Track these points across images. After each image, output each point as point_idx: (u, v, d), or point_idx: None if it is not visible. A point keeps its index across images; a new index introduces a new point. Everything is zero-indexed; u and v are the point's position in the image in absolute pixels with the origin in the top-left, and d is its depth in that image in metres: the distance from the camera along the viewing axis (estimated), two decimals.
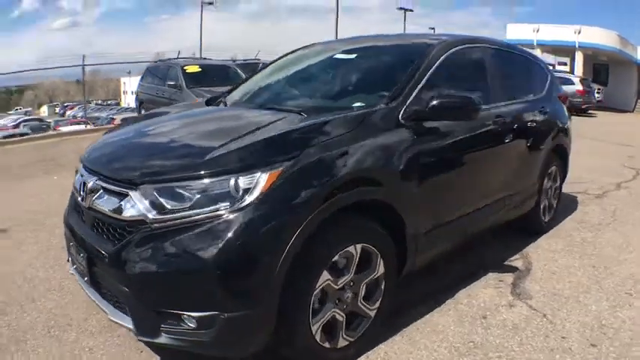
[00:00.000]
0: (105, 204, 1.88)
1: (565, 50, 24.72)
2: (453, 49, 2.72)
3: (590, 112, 18.03)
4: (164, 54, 17.15)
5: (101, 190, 1.92)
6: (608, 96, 22.36)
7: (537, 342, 2.22)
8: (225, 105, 2.87)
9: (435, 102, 2.23)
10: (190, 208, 1.70)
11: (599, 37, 22.55)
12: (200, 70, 9.33)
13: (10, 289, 2.73)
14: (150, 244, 1.71)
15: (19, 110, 46.69)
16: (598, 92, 20.47)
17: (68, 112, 36.93)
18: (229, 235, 1.65)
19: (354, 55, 2.99)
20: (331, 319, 1.94)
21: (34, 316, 2.43)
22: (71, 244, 2.12)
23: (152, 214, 1.72)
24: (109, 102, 53.23)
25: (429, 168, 2.32)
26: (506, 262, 3.17)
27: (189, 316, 1.68)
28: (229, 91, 3.25)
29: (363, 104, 2.34)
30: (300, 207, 1.74)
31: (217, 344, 1.72)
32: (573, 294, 2.72)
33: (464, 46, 2.88)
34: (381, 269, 2.10)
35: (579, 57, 23.65)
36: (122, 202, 1.80)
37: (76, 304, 2.52)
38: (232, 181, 1.71)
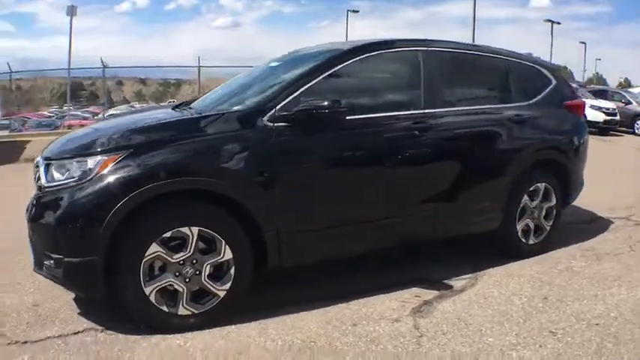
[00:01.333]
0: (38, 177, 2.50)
1: None
2: (365, 55, 2.72)
3: None
4: None
5: (38, 167, 2.54)
6: None
7: (384, 358, 2.14)
8: (186, 108, 3.15)
9: (299, 107, 2.34)
10: (65, 179, 2.19)
11: None
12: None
13: None
14: (39, 205, 2.25)
15: (172, 103, 54.69)
16: None
17: None
18: (71, 199, 2.10)
19: (277, 64, 3.12)
20: (170, 287, 2.21)
21: None
22: None
23: (45, 183, 2.27)
24: None
25: (292, 171, 2.42)
26: (445, 280, 2.94)
27: (51, 256, 2.16)
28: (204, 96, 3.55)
29: (238, 107, 2.55)
30: (122, 186, 2.08)
31: (67, 282, 2.20)
32: (481, 322, 2.42)
33: (386, 51, 2.84)
34: (227, 254, 2.26)
35: None
36: (40, 175, 2.39)
37: None
38: (85, 162, 2.16)
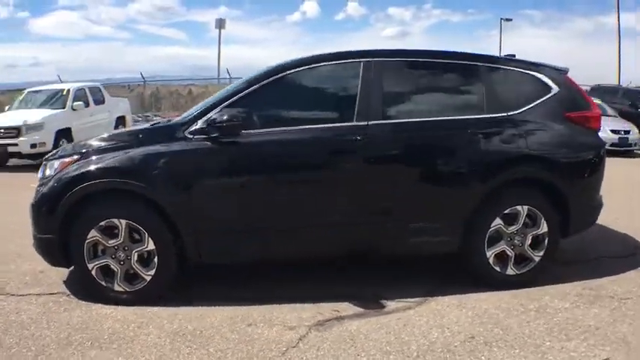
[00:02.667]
0: None
1: None
2: (294, 70, 2.85)
3: None
4: None
5: None
6: None
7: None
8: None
9: (207, 120, 2.62)
10: (46, 176, 2.89)
11: None
12: None
13: None
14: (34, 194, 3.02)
15: None
16: None
17: None
18: (42, 191, 2.78)
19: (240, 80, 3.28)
20: (107, 267, 2.73)
21: None
22: None
23: (39, 177, 3.02)
24: None
25: (205, 178, 2.70)
26: (386, 299, 2.80)
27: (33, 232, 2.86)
28: None
29: (175, 120, 2.94)
30: (66, 184, 2.67)
31: (38, 252, 2.86)
32: (367, 347, 2.30)
33: (317, 65, 2.91)
34: (151, 245, 2.68)
35: None
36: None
37: None
38: (54, 163, 2.86)
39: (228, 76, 18.55)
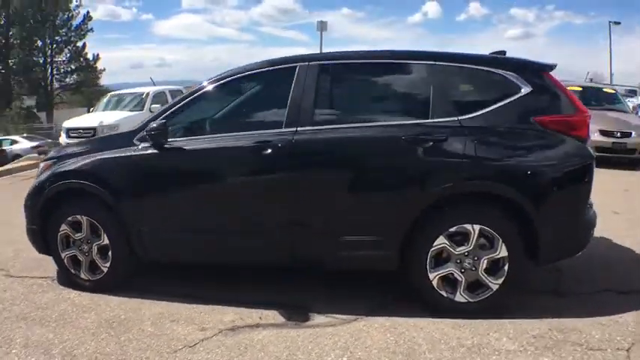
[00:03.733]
0: None
1: None
2: (226, 79, 2.96)
3: None
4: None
5: None
6: None
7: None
8: None
9: (147, 129, 2.84)
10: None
11: None
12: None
13: None
14: None
15: None
16: None
17: None
18: (31, 187, 3.25)
19: None
20: (75, 257, 3.09)
21: None
22: None
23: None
24: None
25: (145, 182, 2.92)
26: (316, 312, 2.72)
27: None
28: None
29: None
30: (42, 183, 3.11)
31: (30, 241, 3.27)
32: (248, 356, 2.28)
33: (249, 73, 2.97)
34: (105, 240, 2.99)
35: None
36: None
37: None
38: (40, 165, 3.36)
39: None
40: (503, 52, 3.06)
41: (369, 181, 2.72)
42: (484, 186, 2.61)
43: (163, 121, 2.83)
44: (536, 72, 2.77)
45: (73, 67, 35.66)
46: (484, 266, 2.59)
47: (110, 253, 3.03)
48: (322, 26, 29.89)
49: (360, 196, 2.71)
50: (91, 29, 36.16)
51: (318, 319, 2.69)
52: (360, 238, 2.68)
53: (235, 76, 2.99)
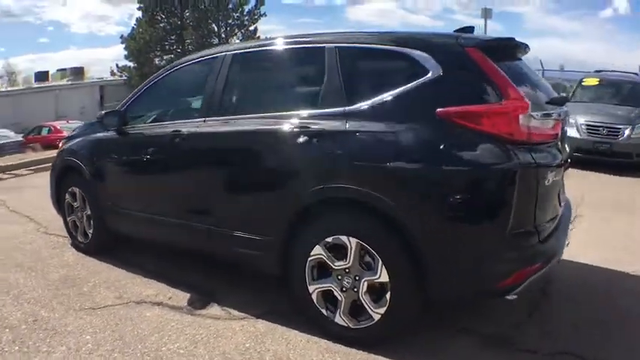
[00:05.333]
0: None
1: None
2: (173, 69, 3.22)
3: None
4: None
5: None
6: None
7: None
8: None
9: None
10: None
11: None
12: (598, 83, 9.02)
13: None
14: None
15: None
16: None
17: None
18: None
19: None
20: (75, 222, 3.82)
21: None
22: None
23: None
24: None
25: (108, 163, 3.41)
26: (217, 303, 2.86)
27: None
28: None
29: None
30: (55, 157, 3.86)
31: (55, 208, 4.14)
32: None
33: (195, 61, 3.11)
34: (89, 210, 3.62)
35: None
36: None
37: None
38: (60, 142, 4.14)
39: (541, 68, 17.96)
40: (471, 29, 2.61)
41: (250, 175, 2.67)
42: (356, 193, 2.25)
43: (119, 109, 3.33)
44: (455, 50, 2.25)
45: None
46: (364, 289, 2.32)
47: (92, 221, 3.64)
48: (486, 13, 27.98)
49: (244, 192, 2.72)
50: (264, 14, 37.40)
51: (212, 309, 2.83)
52: (246, 235, 2.67)
53: (178, 67, 3.27)
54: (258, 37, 37.41)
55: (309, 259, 2.45)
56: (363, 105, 2.33)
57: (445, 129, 2.15)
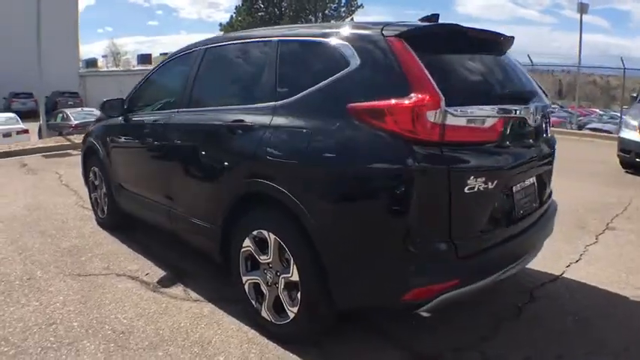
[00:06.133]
0: None
1: None
2: (171, 59, 3.47)
3: None
4: None
5: None
6: None
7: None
8: None
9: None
10: None
11: None
12: None
13: None
14: None
15: None
16: None
17: None
18: None
19: None
20: (96, 200, 4.32)
21: None
22: None
23: None
24: None
25: (114, 147, 3.80)
26: (184, 288, 3.12)
27: None
28: None
29: None
30: (83, 141, 4.37)
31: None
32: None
33: (181, 54, 3.34)
34: (104, 189, 4.08)
35: None
36: None
37: None
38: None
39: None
40: (436, 17, 2.47)
41: (199, 165, 2.84)
42: (269, 189, 2.30)
43: (118, 100, 3.69)
44: (375, 40, 2.12)
45: None
46: (282, 286, 2.37)
47: (106, 199, 4.11)
48: (582, 8, 25.64)
49: (195, 181, 2.92)
50: (361, 5, 37.64)
51: (175, 289, 3.07)
52: (198, 222, 2.87)
53: (168, 60, 3.56)
54: None
55: (242, 250, 2.56)
56: (290, 99, 2.36)
57: (353, 126, 2.06)
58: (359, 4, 37.91)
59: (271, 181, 2.30)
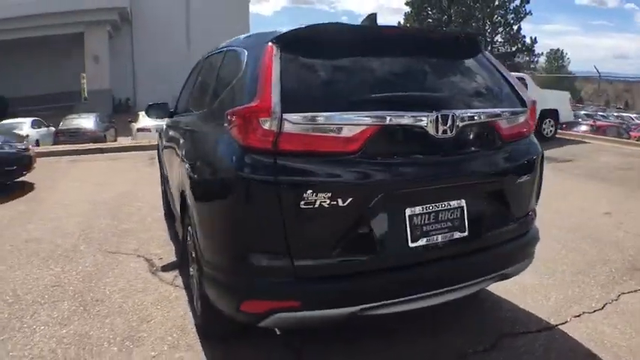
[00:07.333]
0: None
1: None
2: (204, 59, 3.67)
3: None
4: None
5: None
6: None
7: None
8: None
9: None
10: None
11: None
12: None
13: None
14: None
15: None
16: None
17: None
18: None
19: None
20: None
21: None
22: None
23: None
24: None
25: (164, 143, 4.31)
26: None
27: None
28: None
29: None
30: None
31: None
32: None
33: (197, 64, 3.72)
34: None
35: None
36: None
37: None
38: None
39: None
40: (373, 16, 2.45)
41: (178, 162, 3.05)
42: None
43: (162, 103, 4.16)
44: (258, 46, 2.11)
45: (511, 48, 36.76)
46: (197, 280, 2.46)
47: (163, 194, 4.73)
48: None
49: (175, 175, 3.17)
50: (530, 12, 36.58)
51: (169, 274, 3.38)
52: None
53: (198, 65, 3.85)
54: (522, 37, 35.66)
55: (187, 242, 2.71)
56: (212, 106, 2.52)
57: (222, 130, 2.10)
58: (527, 10, 35.35)
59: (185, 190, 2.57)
